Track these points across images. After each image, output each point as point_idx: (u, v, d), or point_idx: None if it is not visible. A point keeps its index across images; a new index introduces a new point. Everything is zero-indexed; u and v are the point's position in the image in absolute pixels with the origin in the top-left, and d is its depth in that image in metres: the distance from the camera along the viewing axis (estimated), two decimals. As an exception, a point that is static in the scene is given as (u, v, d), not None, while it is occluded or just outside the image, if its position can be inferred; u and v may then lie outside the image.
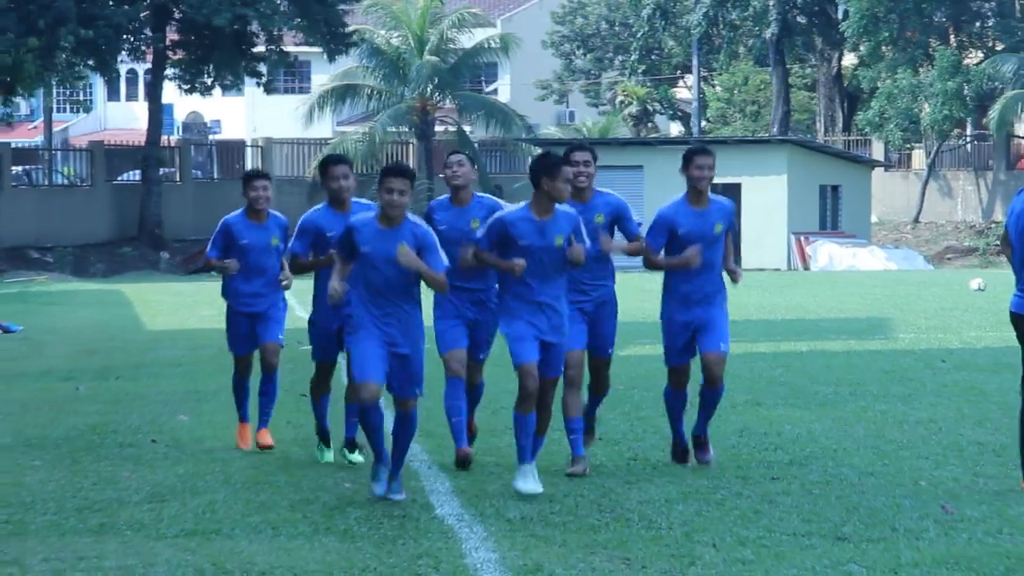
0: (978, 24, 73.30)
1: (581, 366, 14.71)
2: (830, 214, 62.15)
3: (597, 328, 14.82)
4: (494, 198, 15.49)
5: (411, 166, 65.28)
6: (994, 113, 66.87)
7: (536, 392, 13.71)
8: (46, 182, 68.40)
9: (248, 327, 16.33)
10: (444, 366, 14.93)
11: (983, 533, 12.00)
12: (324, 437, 15.80)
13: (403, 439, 13.44)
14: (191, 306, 39.43)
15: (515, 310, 13.85)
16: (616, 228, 14.85)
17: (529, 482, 13.47)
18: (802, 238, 59.62)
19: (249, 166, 72.91)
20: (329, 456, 15.68)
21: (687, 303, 14.82)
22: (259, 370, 16.56)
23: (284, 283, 16.26)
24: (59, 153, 73.01)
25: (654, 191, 54.31)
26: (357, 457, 15.43)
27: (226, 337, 16.71)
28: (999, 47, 71.34)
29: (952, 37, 71.97)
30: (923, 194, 70.28)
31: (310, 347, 15.96)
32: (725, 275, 15.04)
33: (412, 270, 13.18)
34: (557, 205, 13.73)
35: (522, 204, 13.98)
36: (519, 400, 13.77)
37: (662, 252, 14.91)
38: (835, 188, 62.35)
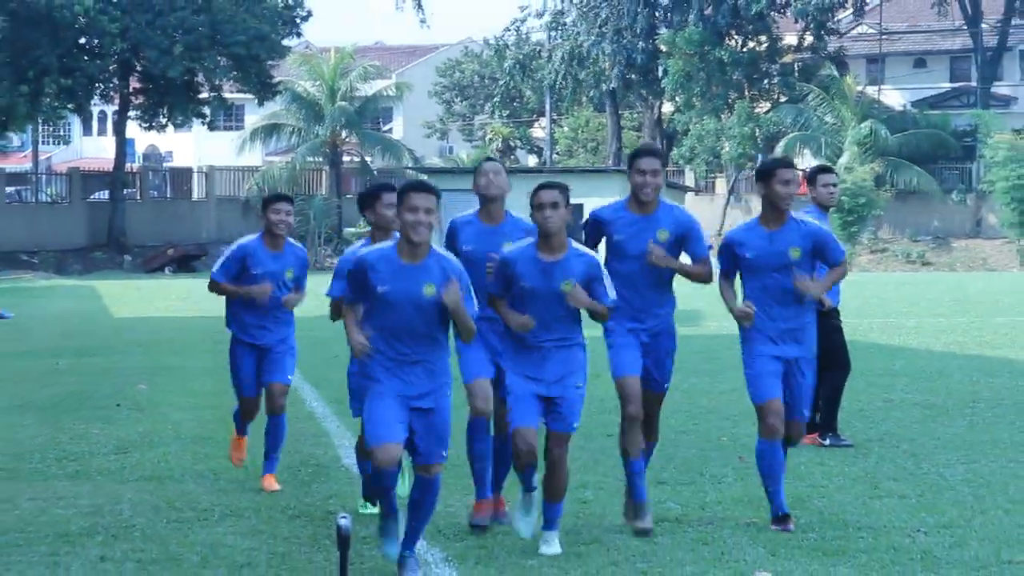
0: (766, 82, 73.81)
1: (640, 397, 10.24)
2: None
3: (650, 361, 10.30)
4: (530, 221, 9.82)
5: (324, 190, 64.25)
6: (779, 150, 67.41)
7: (533, 456, 9.47)
8: (33, 200, 67.89)
9: (254, 364, 11.91)
10: (468, 400, 10.22)
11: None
12: None
13: (424, 508, 8.93)
14: (149, 299, 39.13)
15: (515, 358, 9.61)
16: (682, 249, 10.36)
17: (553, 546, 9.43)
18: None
19: (196, 189, 72.45)
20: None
21: (773, 340, 10.20)
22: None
23: (285, 301, 11.90)
24: (44, 177, 72.26)
25: (514, 212, 54.10)
26: (372, 509, 10.54)
27: (230, 375, 12.20)
28: (782, 99, 71.91)
29: (747, 91, 72.41)
30: (724, 212, 70.65)
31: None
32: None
33: (450, 309, 8.77)
34: (575, 247, 9.53)
35: (529, 241, 9.67)
36: (513, 463, 9.63)
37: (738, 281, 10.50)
38: (656, 208, 62.48)
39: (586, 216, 10.48)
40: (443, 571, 8.98)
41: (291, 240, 11.92)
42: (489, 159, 10.64)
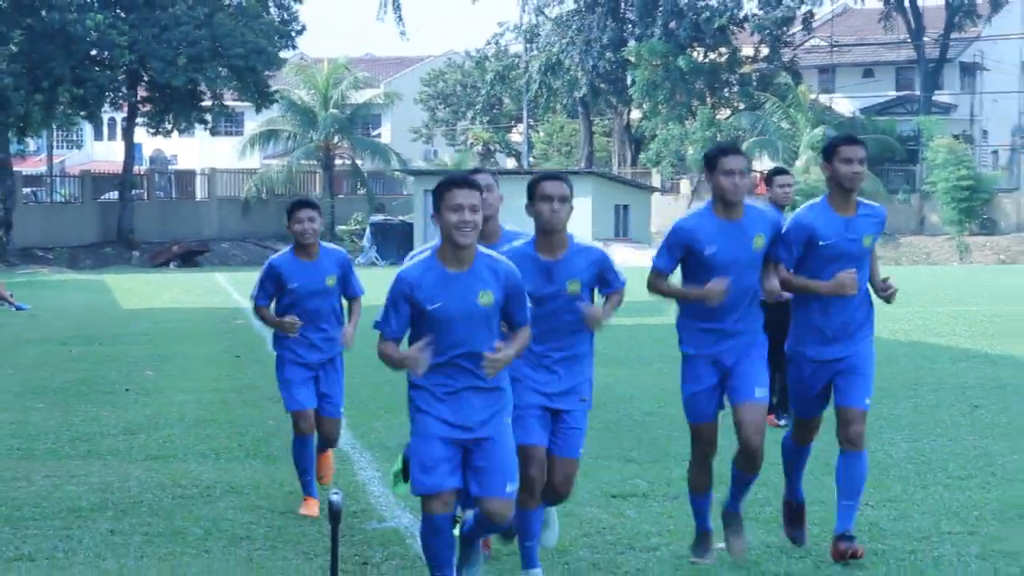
0: (726, 90, 73.84)
1: (715, 439, 8.70)
2: (622, 226, 62.26)
3: (739, 368, 8.39)
4: (521, 233, 8.24)
5: (318, 191, 64.16)
6: (741, 155, 67.64)
7: (539, 480, 7.89)
8: (48, 200, 67.58)
9: (305, 376, 10.07)
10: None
11: (729, 457, 12.07)
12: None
13: (480, 535, 7.65)
14: (156, 292, 39.06)
15: (522, 375, 7.83)
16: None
17: None
18: (602, 242, 59.95)
19: (199, 190, 72.25)
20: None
21: (823, 337, 8.58)
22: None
23: (344, 342, 10.17)
24: (58, 179, 71.96)
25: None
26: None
27: (280, 393, 10.26)
28: (741, 107, 71.94)
29: (708, 99, 72.43)
30: (688, 210, 70.55)
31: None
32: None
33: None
34: (577, 241, 7.97)
35: (524, 240, 8.02)
36: (521, 490, 7.58)
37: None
38: (625, 207, 62.49)
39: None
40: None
41: (326, 244, 10.19)
42: (477, 171, 8.46)
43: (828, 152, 8.55)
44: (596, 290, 8.10)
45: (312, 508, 9.88)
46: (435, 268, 7.11)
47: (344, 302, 10.32)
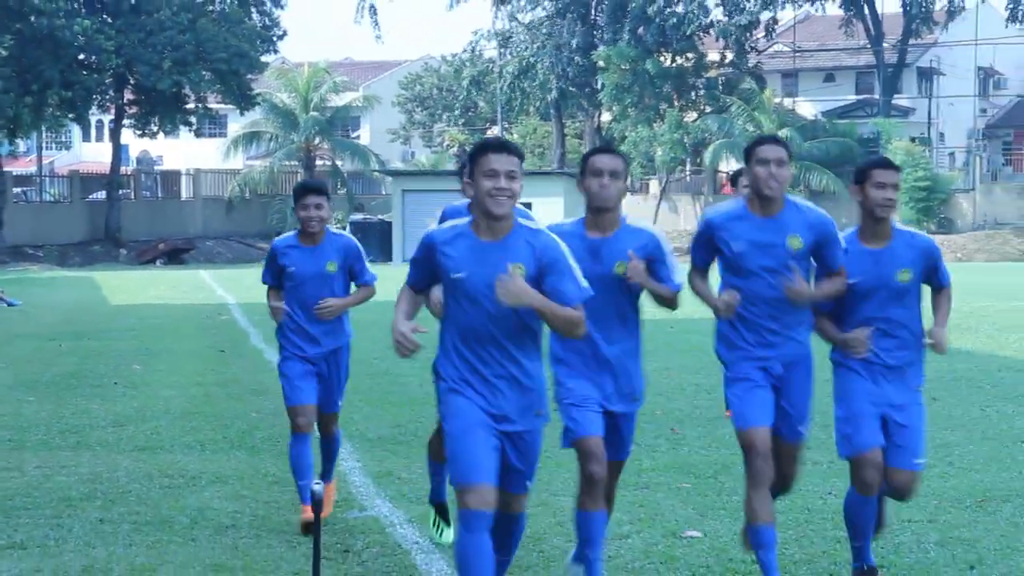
0: (693, 94, 73.89)
1: (769, 451, 7.32)
2: (592, 224, 62.30)
3: (784, 397, 7.42)
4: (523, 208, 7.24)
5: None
6: (708, 156, 67.63)
7: (604, 478, 7.03)
8: (38, 199, 67.39)
9: (303, 370, 9.22)
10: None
11: (699, 447, 12.11)
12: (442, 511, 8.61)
13: (506, 546, 6.60)
14: (143, 288, 38.95)
15: (574, 366, 7.05)
16: (815, 258, 7.44)
17: None
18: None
19: (184, 189, 72.08)
20: (448, 535, 8.54)
21: (871, 373, 7.40)
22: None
23: (321, 306, 9.14)
24: (47, 179, 71.72)
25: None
26: (447, 533, 8.55)
27: (282, 389, 9.40)
28: (708, 110, 72.01)
29: (676, 102, 72.46)
30: (657, 211, 70.61)
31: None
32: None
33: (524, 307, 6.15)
34: (627, 220, 7.05)
35: (578, 217, 7.15)
36: (582, 490, 7.02)
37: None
38: (596, 206, 62.53)
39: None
40: (407, 532, 8.97)
41: (333, 230, 9.31)
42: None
43: (860, 176, 7.51)
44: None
45: (310, 515, 8.83)
46: (467, 236, 6.31)
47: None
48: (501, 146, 6.24)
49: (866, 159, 7.56)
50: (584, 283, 6.32)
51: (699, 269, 7.57)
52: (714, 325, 7.61)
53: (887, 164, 7.49)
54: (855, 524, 7.48)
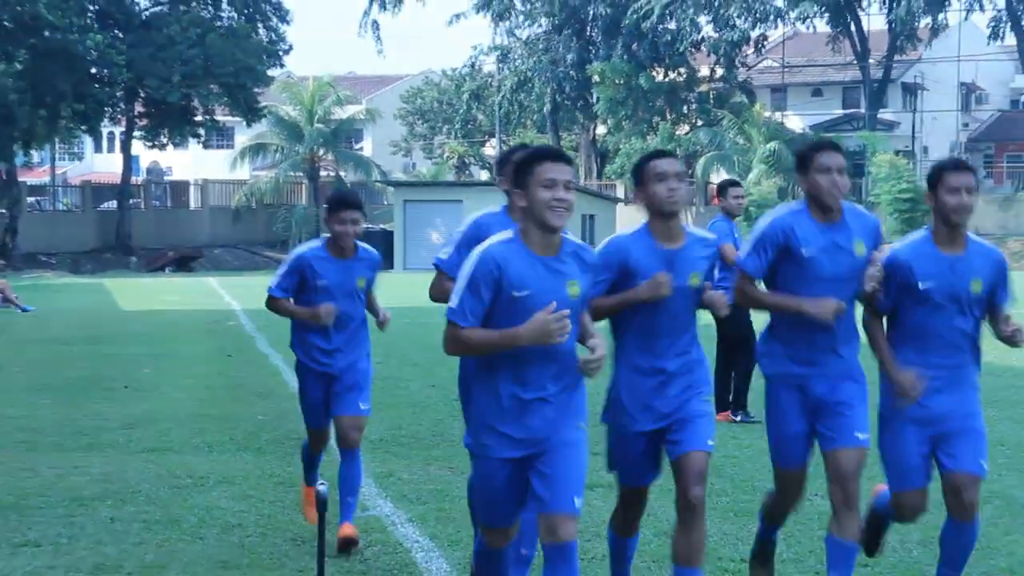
0: (685, 108, 73.97)
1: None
2: (587, 234, 62.33)
3: (822, 425, 6.79)
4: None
5: (304, 200, 63.92)
6: (699, 168, 67.65)
7: (642, 503, 6.83)
8: (51, 208, 67.48)
9: (323, 392, 8.59)
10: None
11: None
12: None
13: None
14: (153, 294, 38.95)
15: (633, 388, 6.52)
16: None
17: None
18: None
19: (192, 199, 72.08)
20: None
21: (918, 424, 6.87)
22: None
23: (383, 318, 8.84)
24: (60, 189, 71.76)
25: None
26: None
27: (299, 403, 8.91)
28: (699, 123, 72.10)
29: (668, 116, 72.57)
30: (649, 220, 70.63)
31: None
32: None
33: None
34: (690, 229, 6.42)
35: (641, 225, 6.49)
36: (619, 515, 6.88)
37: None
38: (592, 216, 62.54)
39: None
40: (408, 530, 8.99)
41: (362, 244, 8.68)
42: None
43: (933, 180, 6.63)
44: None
45: (311, 515, 8.67)
46: (521, 250, 5.57)
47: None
48: (559, 155, 5.65)
49: (938, 162, 6.74)
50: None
51: (751, 278, 6.86)
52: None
53: (961, 166, 6.68)
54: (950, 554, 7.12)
